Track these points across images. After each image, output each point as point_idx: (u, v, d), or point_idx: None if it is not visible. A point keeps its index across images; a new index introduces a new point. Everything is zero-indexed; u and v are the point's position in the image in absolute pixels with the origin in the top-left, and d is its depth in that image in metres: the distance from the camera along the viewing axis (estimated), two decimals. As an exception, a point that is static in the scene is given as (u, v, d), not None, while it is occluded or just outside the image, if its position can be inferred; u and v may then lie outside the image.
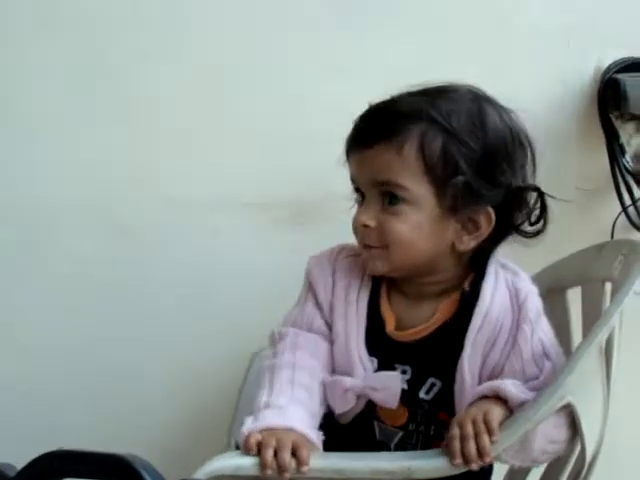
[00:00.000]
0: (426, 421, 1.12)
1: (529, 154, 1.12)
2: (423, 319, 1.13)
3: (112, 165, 1.52)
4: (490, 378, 1.08)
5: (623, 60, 1.56)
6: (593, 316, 1.20)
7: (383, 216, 1.08)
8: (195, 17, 1.50)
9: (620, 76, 1.53)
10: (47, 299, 1.57)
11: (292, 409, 1.03)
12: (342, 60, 1.45)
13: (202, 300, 1.56)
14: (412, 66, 1.42)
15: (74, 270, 1.55)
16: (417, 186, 1.07)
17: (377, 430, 1.13)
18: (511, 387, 1.03)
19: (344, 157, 1.14)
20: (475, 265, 1.14)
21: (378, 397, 1.10)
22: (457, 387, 1.09)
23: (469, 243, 1.10)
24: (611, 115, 1.55)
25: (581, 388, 1.03)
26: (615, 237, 1.57)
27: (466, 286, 1.12)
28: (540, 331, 1.09)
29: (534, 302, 1.10)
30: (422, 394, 1.11)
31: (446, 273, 1.13)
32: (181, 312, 1.57)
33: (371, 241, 1.10)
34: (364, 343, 1.11)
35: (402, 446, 1.13)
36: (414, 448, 1.12)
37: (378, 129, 1.08)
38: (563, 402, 1.00)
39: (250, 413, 1.03)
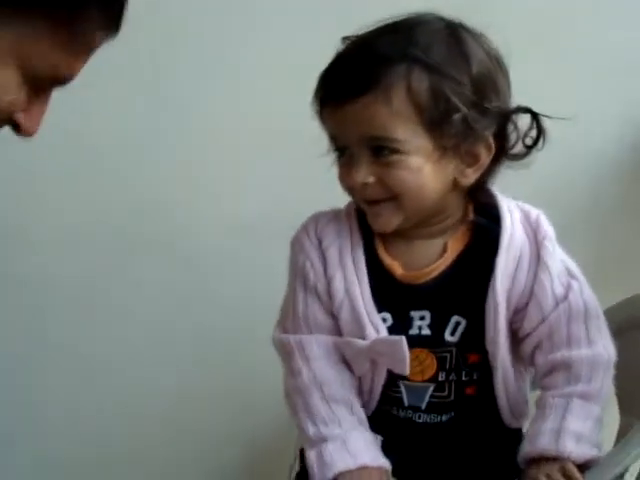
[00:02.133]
0: (456, 366, 1.08)
1: (506, 76, 1.08)
2: (433, 258, 1.08)
3: (175, 199, 1.56)
4: (518, 307, 1.06)
5: None
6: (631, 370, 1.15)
7: (379, 169, 1.03)
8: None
9: None
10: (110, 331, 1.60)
11: (350, 438, 1.03)
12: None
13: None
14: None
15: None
16: (410, 134, 1.01)
17: (404, 392, 1.09)
18: (572, 445, 1.00)
19: (315, 111, 1.06)
20: (472, 196, 1.11)
21: (387, 362, 1.06)
22: (489, 316, 1.05)
23: (472, 176, 1.06)
24: None
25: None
26: None
27: (471, 217, 1.10)
28: (558, 249, 1.07)
29: (547, 222, 1.09)
30: (447, 335, 1.07)
31: (450, 209, 1.09)
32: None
33: (377, 195, 1.05)
34: (371, 300, 1.06)
35: (435, 404, 1.09)
36: (447, 399, 1.08)
37: (358, 79, 1.01)
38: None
39: (306, 445, 1.04)
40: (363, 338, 1.06)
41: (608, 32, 1.54)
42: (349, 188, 1.06)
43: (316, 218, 1.12)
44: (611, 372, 1.07)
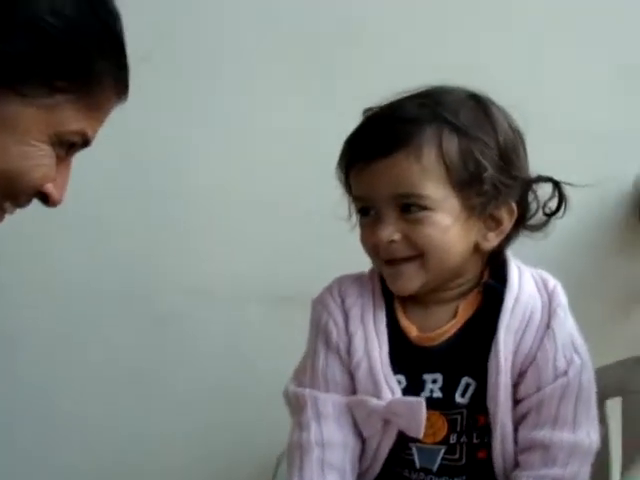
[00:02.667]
0: (467, 429, 1.08)
1: (525, 149, 1.11)
2: (444, 321, 1.10)
3: (151, 256, 1.56)
4: (522, 369, 1.06)
5: None
6: (633, 431, 1.20)
7: (406, 226, 1.04)
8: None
9: None
10: (85, 387, 1.60)
11: None
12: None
13: (234, 392, 1.58)
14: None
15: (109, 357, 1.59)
16: (439, 191, 1.03)
17: (416, 455, 1.09)
18: None
19: (340, 175, 1.09)
20: (490, 262, 1.12)
21: (402, 424, 1.07)
22: (491, 374, 1.06)
23: (494, 240, 1.08)
24: None
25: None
26: None
27: (485, 281, 1.11)
28: (571, 321, 1.08)
29: (562, 293, 1.09)
30: (458, 397, 1.08)
31: (468, 274, 1.11)
32: (214, 401, 1.58)
33: (402, 253, 1.05)
34: (389, 362, 1.08)
35: (446, 467, 1.09)
36: (458, 462, 1.09)
37: (389, 137, 1.03)
38: None
39: None
40: (378, 398, 1.07)
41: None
42: (373, 247, 1.07)
43: (340, 280, 1.14)
44: (590, 459, 1.07)
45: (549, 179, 1.10)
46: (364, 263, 1.13)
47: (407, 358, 1.08)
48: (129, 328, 1.59)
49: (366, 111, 1.10)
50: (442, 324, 1.09)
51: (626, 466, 1.17)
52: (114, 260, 1.58)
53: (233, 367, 1.57)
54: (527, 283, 1.09)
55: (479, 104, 1.07)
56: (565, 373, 1.06)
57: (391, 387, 1.07)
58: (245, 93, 1.54)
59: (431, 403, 1.07)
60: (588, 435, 1.06)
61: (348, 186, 1.09)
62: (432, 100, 1.05)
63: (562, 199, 1.10)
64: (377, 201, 1.05)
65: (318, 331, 1.12)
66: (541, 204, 1.10)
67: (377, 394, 1.07)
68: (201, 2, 1.53)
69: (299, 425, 1.10)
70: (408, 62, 1.49)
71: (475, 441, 1.08)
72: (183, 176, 1.56)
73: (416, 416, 1.05)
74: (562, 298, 1.09)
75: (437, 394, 1.08)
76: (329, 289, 1.14)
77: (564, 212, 1.10)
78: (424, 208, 1.03)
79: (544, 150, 1.39)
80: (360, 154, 1.05)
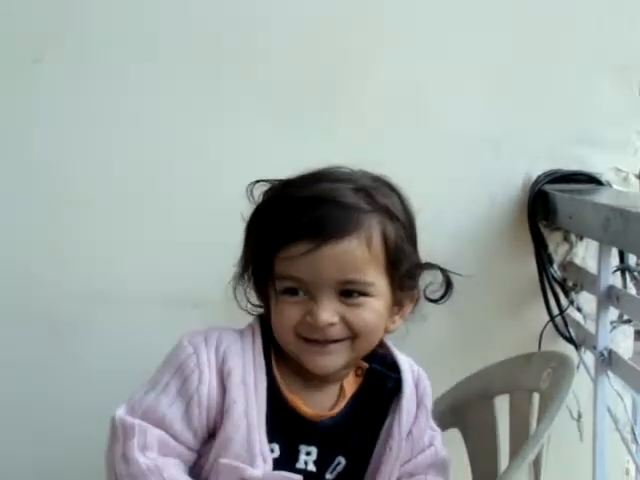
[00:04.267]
0: None
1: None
2: (332, 399, 1.11)
3: (44, 260, 1.52)
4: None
5: (551, 172, 1.58)
6: (520, 425, 1.21)
7: (344, 308, 1.05)
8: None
9: (549, 188, 1.56)
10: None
11: None
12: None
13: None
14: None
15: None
16: (379, 279, 1.06)
17: None
18: None
19: (264, 252, 1.06)
20: None
21: None
22: (388, 459, 1.10)
23: (398, 323, 1.12)
24: (540, 224, 1.57)
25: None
26: (542, 346, 1.58)
27: (362, 363, 1.13)
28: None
29: (425, 376, 1.17)
30: (328, 474, 1.10)
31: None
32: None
33: (337, 335, 1.06)
34: (264, 429, 1.06)
35: None
36: None
37: (342, 222, 1.03)
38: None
39: None
40: (251, 466, 1.04)
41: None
42: (297, 326, 1.05)
43: (220, 336, 1.09)
44: None
45: (437, 267, 1.13)
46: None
47: (285, 427, 1.08)
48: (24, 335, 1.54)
49: (273, 191, 1.09)
50: (329, 401, 1.11)
51: (514, 450, 1.20)
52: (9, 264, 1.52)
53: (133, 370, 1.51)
54: (407, 370, 1.14)
55: (393, 190, 1.09)
56: (431, 444, 1.16)
57: (264, 455, 1.05)
58: (149, 94, 1.52)
59: (304, 476, 1.07)
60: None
61: (267, 264, 1.06)
62: (358, 185, 1.06)
63: (449, 286, 1.13)
64: (317, 284, 1.04)
65: (177, 373, 1.07)
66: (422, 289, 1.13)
67: (249, 461, 1.04)
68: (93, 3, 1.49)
69: (123, 457, 1.04)
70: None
71: None
72: (81, 180, 1.52)
73: None
74: (426, 380, 1.16)
75: (311, 468, 1.09)
76: (205, 340, 1.08)
77: (448, 298, 1.14)
78: (365, 294, 1.05)
79: (434, 150, 1.49)
80: (307, 235, 1.02)
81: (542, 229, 1.57)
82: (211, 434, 1.07)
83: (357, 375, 1.13)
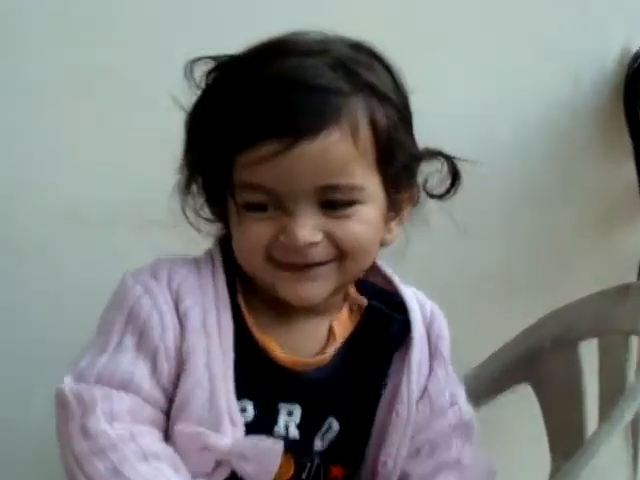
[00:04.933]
0: (314, 478, 0.97)
1: None
2: (318, 342, 0.98)
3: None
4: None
5: None
6: (614, 379, 1.11)
7: (328, 222, 0.90)
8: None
9: None
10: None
11: None
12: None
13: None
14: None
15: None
16: (369, 180, 0.91)
17: None
18: None
19: (223, 157, 0.91)
20: None
21: (248, 470, 0.91)
22: (397, 424, 0.97)
23: (395, 232, 0.99)
24: None
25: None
26: None
27: (352, 292, 1.01)
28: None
29: (441, 315, 1.03)
30: (317, 441, 0.97)
31: None
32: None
33: (321, 257, 0.91)
34: (233, 384, 0.93)
35: None
36: None
37: (316, 112, 0.87)
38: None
39: None
40: (215, 430, 0.91)
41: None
42: (267, 247, 0.92)
43: (171, 266, 0.96)
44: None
45: (439, 153, 0.99)
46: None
47: (259, 380, 0.95)
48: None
49: (221, 72, 0.95)
50: (315, 346, 0.98)
51: (604, 410, 1.10)
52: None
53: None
54: (415, 308, 1.02)
55: (379, 60, 0.95)
56: (455, 403, 1.02)
57: (233, 417, 0.92)
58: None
59: (286, 444, 0.94)
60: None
61: (223, 171, 0.92)
62: (335, 57, 0.91)
63: (456, 177, 1.00)
64: (290, 194, 0.90)
65: (130, 322, 0.94)
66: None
67: (215, 426, 0.91)
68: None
69: (84, 433, 0.89)
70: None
71: None
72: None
73: (268, 464, 0.92)
74: (441, 321, 1.03)
75: (293, 434, 0.95)
76: (154, 274, 0.96)
77: (456, 191, 1.01)
78: (353, 202, 0.91)
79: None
80: (268, 134, 0.87)
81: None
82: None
83: (352, 312, 1.00)
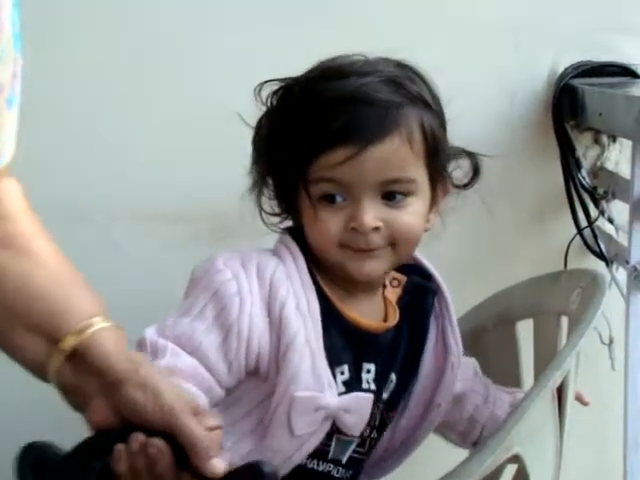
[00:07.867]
0: (380, 424, 1.09)
1: None
2: (381, 310, 1.10)
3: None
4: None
5: (580, 64, 1.51)
6: (546, 354, 1.15)
7: (388, 211, 1.03)
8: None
9: (576, 82, 1.49)
10: None
11: None
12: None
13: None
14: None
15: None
16: (420, 174, 1.04)
17: (333, 446, 1.06)
18: None
19: (300, 162, 1.02)
20: None
21: (347, 420, 1.03)
22: (448, 372, 1.11)
23: (433, 220, 1.10)
24: (566, 125, 1.50)
25: (531, 439, 0.95)
26: (569, 262, 1.53)
27: (398, 274, 1.13)
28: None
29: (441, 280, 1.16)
30: (384, 392, 1.09)
31: None
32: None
33: (379, 241, 1.03)
34: (324, 354, 1.03)
35: (353, 460, 1.09)
36: (364, 456, 1.10)
37: (381, 121, 1.00)
38: (510, 453, 0.91)
39: None
40: (321, 392, 1.01)
41: None
42: (340, 235, 1.03)
43: (258, 258, 1.04)
44: None
45: (463, 150, 1.11)
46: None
47: (348, 345, 1.06)
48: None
49: (290, 92, 1.05)
50: (380, 312, 1.10)
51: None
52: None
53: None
54: (438, 275, 1.14)
55: (418, 75, 1.07)
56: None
57: (330, 382, 1.03)
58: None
59: None
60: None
61: (300, 172, 1.03)
62: (386, 75, 1.03)
63: (477, 171, 1.11)
64: (359, 187, 1.02)
65: (213, 299, 1.01)
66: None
67: (321, 389, 1.01)
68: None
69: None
70: None
71: (375, 435, 1.10)
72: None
73: (363, 413, 1.05)
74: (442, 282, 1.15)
75: (372, 386, 1.07)
76: (243, 264, 1.03)
77: (473, 185, 1.12)
78: (407, 193, 1.03)
79: (443, 40, 1.41)
80: (342, 142, 1.00)
81: (569, 130, 1.50)
82: (249, 372, 1.02)
83: (394, 287, 1.12)
